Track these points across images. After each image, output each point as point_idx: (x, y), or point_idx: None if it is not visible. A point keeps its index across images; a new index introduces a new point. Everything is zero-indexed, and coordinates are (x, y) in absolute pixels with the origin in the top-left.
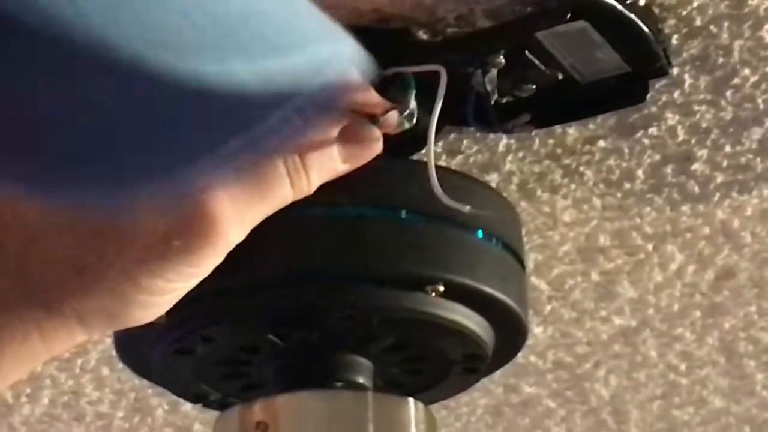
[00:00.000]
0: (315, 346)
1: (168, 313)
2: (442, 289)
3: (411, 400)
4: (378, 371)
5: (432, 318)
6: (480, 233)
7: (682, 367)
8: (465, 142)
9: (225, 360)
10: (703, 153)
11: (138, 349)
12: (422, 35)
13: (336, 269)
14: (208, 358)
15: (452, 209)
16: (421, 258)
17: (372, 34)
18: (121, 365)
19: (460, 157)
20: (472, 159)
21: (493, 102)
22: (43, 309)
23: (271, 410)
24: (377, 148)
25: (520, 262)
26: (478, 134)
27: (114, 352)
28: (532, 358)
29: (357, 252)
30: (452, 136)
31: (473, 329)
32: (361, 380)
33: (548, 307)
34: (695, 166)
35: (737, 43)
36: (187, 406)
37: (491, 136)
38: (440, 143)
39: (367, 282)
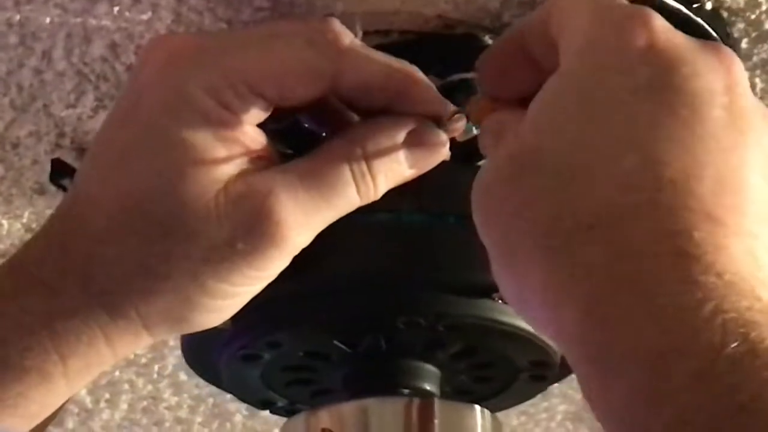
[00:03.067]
0: (382, 352)
1: (234, 318)
2: None
3: (477, 407)
4: (445, 378)
5: (498, 325)
6: None
7: None
8: None
9: (292, 366)
10: None
11: (206, 355)
12: (488, 40)
13: (402, 275)
14: (275, 364)
15: None
16: (487, 264)
17: (438, 40)
18: None
19: None
20: None
21: None
22: (107, 312)
23: (336, 417)
24: (444, 153)
25: None
26: None
27: None
28: None
29: (423, 258)
30: None
31: (540, 336)
32: (428, 387)
33: None
34: None
35: None
36: (266, 412)
37: None
38: None
39: (432, 288)
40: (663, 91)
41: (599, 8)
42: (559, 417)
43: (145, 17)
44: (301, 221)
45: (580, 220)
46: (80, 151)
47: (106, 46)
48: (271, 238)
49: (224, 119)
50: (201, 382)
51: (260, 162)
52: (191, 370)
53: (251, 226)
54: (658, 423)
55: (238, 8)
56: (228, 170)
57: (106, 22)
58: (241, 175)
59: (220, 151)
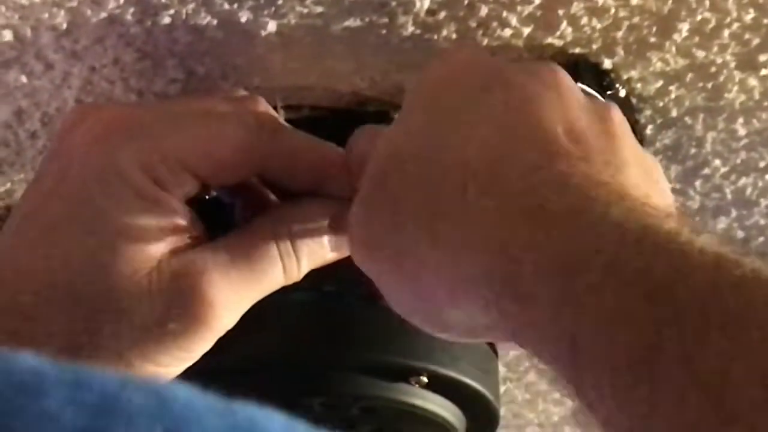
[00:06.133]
0: None
1: None
2: (425, 380)
3: None
4: None
5: (413, 409)
6: None
7: None
8: None
9: None
10: None
11: None
12: None
13: (319, 356)
14: None
15: None
16: (407, 348)
17: (349, 117)
18: None
19: None
20: None
21: None
22: None
23: None
24: None
25: (495, 350)
26: None
27: None
28: None
29: (342, 340)
30: None
31: (451, 421)
32: None
33: (503, 388)
34: None
35: (710, 135)
36: None
37: None
38: None
39: (350, 370)
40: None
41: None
42: None
43: (54, 85)
44: (232, 301)
45: (461, 177)
46: None
47: (11, 112)
48: (203, 318)
49: (157, 196)
50: None
51: (190, 239)
52: None
53: (184, 307)
54: (582, 323)
55: (152, 79)
56: (160, 248)
57: (14, 89)
58: (174, 253)
59: (153, 229)
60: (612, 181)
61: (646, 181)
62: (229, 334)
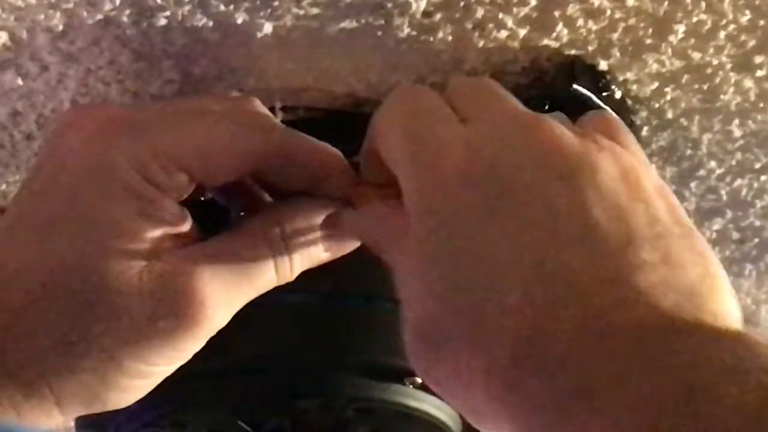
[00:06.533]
0: None
1: None
2: (420, 381)
3: None
4: None
5: (408, 410)
6: None
7: None
8: None
9: None
10: None
11: (102, 430)
12: None
13: (314, 357)
14: None
15: None
16: (401, 349)
17: (345, 118)
18: None
19: None
20: None
21: None
22: (20, 389)
23: None
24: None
25: None
26: None
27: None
28: None
29: (337, 340)
30: None
31: (445, 422)
32: None
33: None
34: None
35: (706, 137)
36: None
37: None
38: None
39: (345, 371)
40: (491, 194)
41: (408, 138)
42: None
43: (50, 86)
44: (223, 300)
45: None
46: None
47: (7, 114)
48: (193, 317)
49: (150, 195)
50: None
51: (183, 239)
52: None
53: (175, 305)
54: None
55: (148, 80)
56: (152, 247)
57: (9, 90)
58: (165, 251)
59: (145, 227)
60: (629, 284)
61: (677, 253)
62: (224, 335)
